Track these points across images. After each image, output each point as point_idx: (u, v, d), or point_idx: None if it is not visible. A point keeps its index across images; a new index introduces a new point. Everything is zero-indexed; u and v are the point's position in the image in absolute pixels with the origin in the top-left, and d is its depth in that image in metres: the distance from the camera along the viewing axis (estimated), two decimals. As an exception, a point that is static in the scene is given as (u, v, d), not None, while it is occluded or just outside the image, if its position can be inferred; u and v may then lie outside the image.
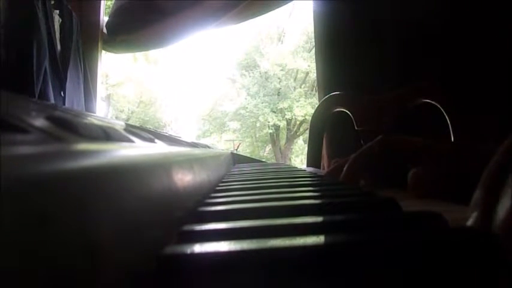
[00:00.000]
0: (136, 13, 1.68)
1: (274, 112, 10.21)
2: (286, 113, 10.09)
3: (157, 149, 0.22)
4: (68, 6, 1.50)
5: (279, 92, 10.49)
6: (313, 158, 0.96)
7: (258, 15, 1.70)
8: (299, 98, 10.24)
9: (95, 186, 0.10)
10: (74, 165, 0.10)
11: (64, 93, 1.41)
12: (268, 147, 11.19)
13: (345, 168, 0.38)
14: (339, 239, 0.13)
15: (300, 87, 10.59)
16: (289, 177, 0.41)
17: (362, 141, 0.85)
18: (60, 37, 1.44)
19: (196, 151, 0.35)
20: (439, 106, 0.73)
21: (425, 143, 0.37)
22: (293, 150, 10.80)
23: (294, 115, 10.07)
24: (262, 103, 10.24)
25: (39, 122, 0.13)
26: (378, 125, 0.80)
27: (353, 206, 0.21)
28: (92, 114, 0.37)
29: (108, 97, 9.31)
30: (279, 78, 10.55)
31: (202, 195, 0.26)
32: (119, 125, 0.31)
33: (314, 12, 1.12)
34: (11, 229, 0.07)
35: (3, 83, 1.09)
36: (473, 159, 0.29)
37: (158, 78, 10.68)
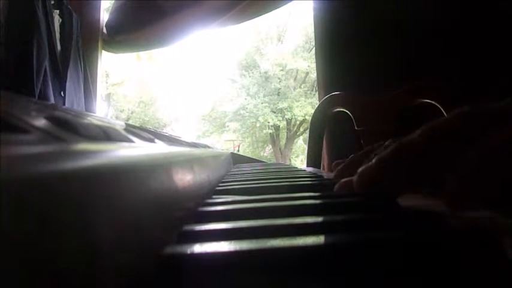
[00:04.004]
0: (136, 13, 1.68)
1: (274, 112, 10.21)
2: (286, 113, 10.09)
3: (157, 149, 0.22)
4: (68, 6, 1.50)
5: (278, 92, 10.49)
6: (313, 158, 0.96)
7: (258, 15, 1.71)
8: (299, 98, 10.24)
9: (95, 186, 0.10)
10: (74, 165, 0.10)
11: (64, 93, 1.41)
12: (268, 148, 11.19)
13: (368, 171, 0.25)
14: (338, 239, 0.13)
15: (300, 87, 10.59)
16: (289, 178, 0.41)
17: (362, 141, 0.85)
18: (60, 37, 1.44)
19: (196, 151, 0.35)
20: (439, 106, 0.73)
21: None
22: (293, 150, 10.80)
23: (294, 115, 10.07)
24: (262, 103, 10.24)
25: (39, 122, 0.13)
26: (378, 125, 0.80)
27: (353, 206, 0.21)
28: (92, 114, 0.37)
29: (109, 96, 9.32)
30: (279, 78, 10.55)
31: (202, 195, 0.26)
32: (119, 125, 0.31)
33: (314, 12, 1.12)
34: (11, 229, 0.07)
35: (3, 83, 1.09)
36: None
37: (158, 78, 10.68)
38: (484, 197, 0.20)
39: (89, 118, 0.25)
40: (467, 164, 0.20)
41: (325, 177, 0.42)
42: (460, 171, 0.20)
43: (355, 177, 0.25)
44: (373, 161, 0.24)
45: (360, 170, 0.25)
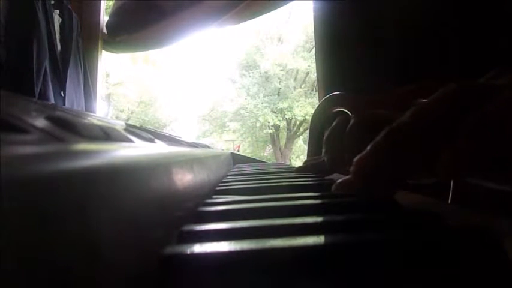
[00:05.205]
0: (136, 13, 1.68)
1: (274, 112, 10.21)
2: (286, 113, 10.09)
3: (157, 149, 0.22)
4: (68, 6, 1.50)
5: (279, 92, 10.49)
6: (313, 158, 0.96)
7: (258, 15, 1.71)
8: (299, 98, 10.23)
9: (95, 186, 0.10)
10: (74, 165, 0.10)
11: (64, 93, 1.41)
12: (268, 148, 11.19)
13: (364, 158, 0.25)
14: (339, 239, 0.13)
15: (300, 87, 10.58)
16: (289, 178, 0.41)
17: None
18: (60, 37, 1.44)
19: (196, 151, 0.35)
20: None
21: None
22: (293, 150, 10.79)
23: (294, 115, 10.06)
24: (262, 103, 10.23)
25: (39, 122, 0.13)
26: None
27: (353, 205, 0.21)
28: (92, 114, 0.37)
29: (109, 96, 9.31)
30: (279, 78, 10.55)
31: (202, 195, 0.26)
32: (119, 125, 0.31)
33: (314, 12, 1.12)
34: (11, 229, 0.07)
35: (3, 83, 1.09)
36: None
37: (158, 78, 10.68)
38: (478, 168, 0.20)
39: (88, 118, 0.25)
40: (462, 137, 0.20)
41: (325, 177, 0.42)
42: (453, 144, 0.20)
43: (352, 167, 0.25)
44: (368, 148, 0.24)
45: (355, 159, 0.25)
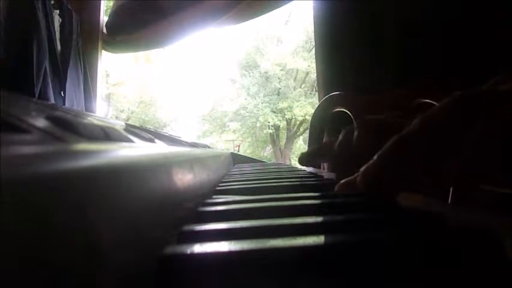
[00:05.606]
0: (136, 13, 1.68)
1: (274, 112, 10.20)
2: (286, 113, 10.09)
3: (157, 149, 0.22)
4: (68, 6, 1.50)
5: (279, 92, 10.49)
6: (313, 158, 0.95)
7: (258, 15, 1.70)
8: (299, 97, 10.23)
9: (95, 186, 0.10)
10: (74, 165, 0.10)
11: (64, 93, 1.41)
12: (268, 148, 11.18)
13: (372, 169, 0.26)
14: (338, 239, 0.13)
15: (300, 87, 10.58)
16: (289, 178, 0.41)
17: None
18: (60, 37, 1.44)
19: (196, 151, 0.35)
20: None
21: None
22: (293, 150, 10.79)
23: (294, 115, 10.06)
24: (262, 103, 10.23)
25: (39, 122, 0.13)
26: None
27: (353, 206, 0.21)
28: (92, 114, 0.37)
29: (109, 96, 9.31)
30: (279, 78, 10.55)
31: (202, 195, 0.26)
32: (119, 125, 0.31)
33: (314, 12, 1.12)
34: (11, 229, 0.07)
35: (3, 83, 1.09)
36: None
37: (158, 78, 10.67)
38: (486, 176, 0.21)
39: (89, 118, 0.25)
40: (468, 146, 0.20)
41: (325, 177, 0.42)
42: (462, 154, 0.21)
43: (359, 177, 0.25)
44: (375, 158, 0.24)
45: (362, 168, 0.25)
